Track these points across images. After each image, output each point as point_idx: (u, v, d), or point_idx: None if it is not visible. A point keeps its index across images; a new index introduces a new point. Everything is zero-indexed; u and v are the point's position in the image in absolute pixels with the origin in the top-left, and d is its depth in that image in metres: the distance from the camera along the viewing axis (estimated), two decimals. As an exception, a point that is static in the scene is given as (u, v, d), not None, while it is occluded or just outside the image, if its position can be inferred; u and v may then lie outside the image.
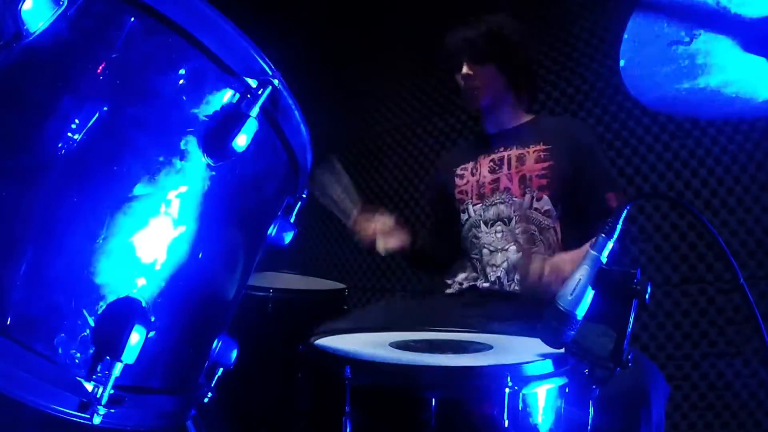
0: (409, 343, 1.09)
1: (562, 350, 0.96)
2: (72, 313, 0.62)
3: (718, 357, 2.02)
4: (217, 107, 0.71)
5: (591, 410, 0.95)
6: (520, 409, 0.83)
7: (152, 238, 0.67)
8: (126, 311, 0.64)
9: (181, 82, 0.69)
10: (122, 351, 0.62)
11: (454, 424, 0.85)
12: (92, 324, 0.63)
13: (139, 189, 0.65)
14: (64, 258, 0.62)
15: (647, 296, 0.89)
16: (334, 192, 1.85)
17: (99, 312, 0.63)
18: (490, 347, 1.07)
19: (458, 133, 2.80)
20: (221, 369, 0.88)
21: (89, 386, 0.63)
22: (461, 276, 1.78)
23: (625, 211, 0.96)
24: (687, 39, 0.82)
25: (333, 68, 3.21)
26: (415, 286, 2.86)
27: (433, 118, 2.89)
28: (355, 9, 3.09)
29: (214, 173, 0.71)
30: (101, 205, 0.64)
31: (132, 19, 0.66)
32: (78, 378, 0.63)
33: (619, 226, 0.94)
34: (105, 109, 0.64)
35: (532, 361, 0.90)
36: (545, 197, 1.61)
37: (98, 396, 0.63)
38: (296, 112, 0.80)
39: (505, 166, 1.69)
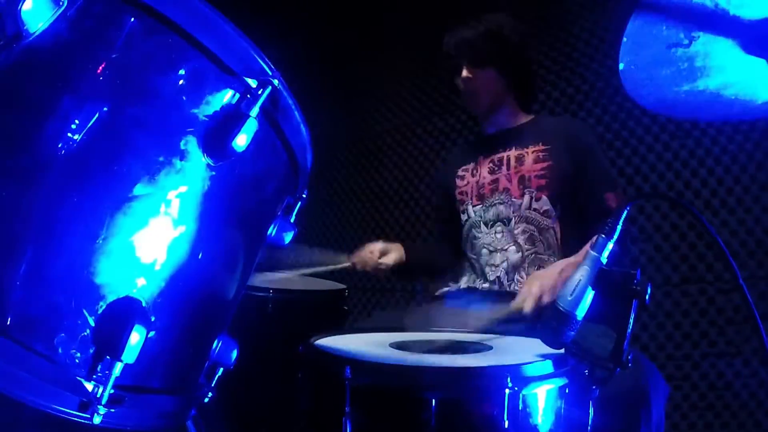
0: (408, 343, 1.09)
1: (562, 351, 0.96)
2: (72, 312, 0.62)
3: (718, 357, 2.03)
4: (217, 107, 0.71)
5: (591, 411, 0.95)
6: (520, 409, 0.83)
7: (152, 238, 0.67)
8: (126, 311, 0.64)
9: (181, 82, 0.69)
10: (122, 351, 0.62)
11: (454, 424, 0.85)
12: (92, 324, 0.63)
13: (139, 189, 0.65)
14: (64, 258, 0.62)
15: (647, 297, 0.89)
16: (311, 258, 1.93)
17: (99, 312, 0.63)
18: (489, 348, 1.07)
19: (458, 133, 2.80)
20: (221, 369, 0.88)
21: (89, 386, 0.63)
22: (464, 280, 1.78)
23: (625, 212, 0.96)
24: (686, 41, 0.82)
25: (333, 68, 3.21)
26: (415, 287, 2.86)
27: (433, 118, 2.90)
28: (355, 9, 3.09)
29: (214, 173, 0.71)
30: (101, 205, 0.64)
31: (132, 19, 0.66)
32: (78, 378, 0.63)
33: (619, 227, 0.94)
34: (105, 109, 0.64)
35: (532, 362, 0.91)
36: (544, 197, 1.61)
37: (98, 396, 0.63)
38: (296, 112, 0.80)
39: (504, 167, 1.69)
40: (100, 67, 0.64)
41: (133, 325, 0.63)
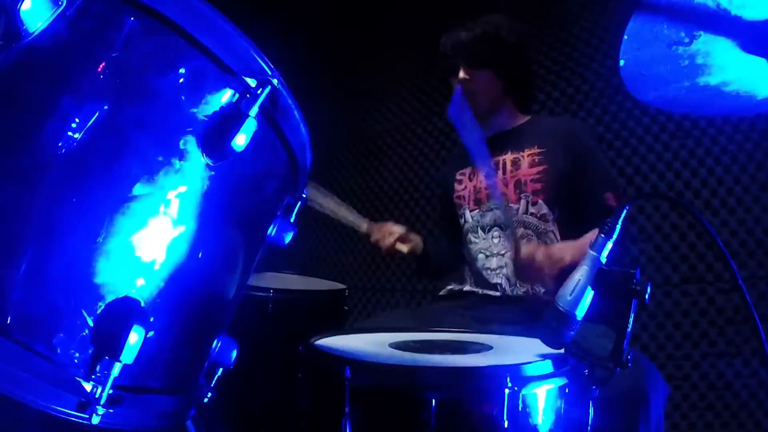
0: (408, 343, 1.09)
1: (562, 351, 0.96)
2: (71, 313, 0.62)
3: (718, 357, 2.02)
4: (217, 107, 0.71)
5: (591, 410, 0.95)
6: (519, 409, 0.83)
7: (151, 237, 0.67)
8: (125, 311, 0.64)
9: (180, 81, 0.69)
10: (121, 351, 0.62)
11: (453, 424, 0.85)
12: (91, 324, 0.63)
13: (138, 189, 0.65)
14: (63, 258, 0.62)
15: (647, 296, 0.89)
16: (335, 209, 1.91)
17: (98, 312, 0.63)
18: (489, 347, 1.07)
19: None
20: (221, 369, 0.88)
21: (88, 386, 0.63)
22: (466, 283, 1.77)
23: (625, 212, 0.96)
24: (687, 40, 0.82)
25: (333, 68, 3.21)
26: (415, 287, 2.86)
27: (433, 118, 2.89)
28: (355, 9, 3.09)
29: (213, 173, 0.71)
30: (101, 205, 0.64)
31: (131, 19, 0.66)
32: (77, 378, 0.63)
33: (618, 227, 0.94)
34: (105, 108, 0.64)
35: (532, 362, 0.90)
36: (540, 201, 1.61)
37: (97, 396, 0.63)
38: (296, 112, 0.80)
39: (500, 172, 1.69)
40: (100, 67, 0.64)
41: (131, 325, 0.62)
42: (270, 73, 0.73)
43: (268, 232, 0.88)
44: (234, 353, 0.86)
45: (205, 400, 0.87)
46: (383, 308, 2.95)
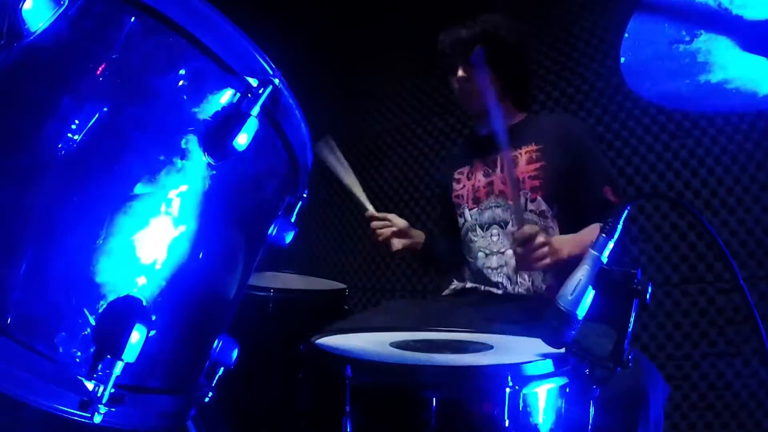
0: (409, 342, 1.09)
1: (563, 350, 0.96)
2: (72, 312, 0.62)
3: (718, 357, 2.02)
4: (218, 107, 0.71)
5: (591, 410, 0.95)
6: (520, 408, 0.83)
7: (153, 237, 0.67)
8: (126, 310, 0.64)
9: (181, 81, 0.69)
10: (123, 350, 0.62)
11: (454, 423, 0.85)
12: (93, 323, 0.63)
13: (139, 188, 0.65)
14: (64, 257, 0.62)
15: (648, 296, 0.89)
16: (350, 182, 1.90)
17: (99, 311, 0.63)
18: (490, 347, 1.07)
19: (458, 133, 2.80)
20: (222, 369, 0.88)
21: (90, 385, 0.63)
22: (467, 281, 1.77)
23: (626, 212, 0.96)
24: (688, 38, 0.82)
25: (333, 68, 3.21)
26: (415, 286, 2.86)
27: (433, 118, 2.90)
28: (355, 9, 3.09)
29: (214, 172, 0.71)
30: (102, 205, 0.64)
31: (132, 19, 0.66)
32: (79, 377, 0.63)
33: (619, 227, 0.94)
34: (105, 109, 0.64)
35: (533, 361, 0.90)
36: (539, 198, 1.61)
37: (99, 395, 0.63)
38: (297, 112, 0.80)
39: (498, 169, 1.69)
40: (101, 67, 0.64)
41: (133, 324, 0.63)
42: (271, 72, 0.73)
43: (269, 231, 0.88)
44: (235, 353, 0.86)
45: (206, 399, 0.87)
46: (388, 301, 2.94)
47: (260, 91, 0.71)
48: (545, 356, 0.94)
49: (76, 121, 0.62)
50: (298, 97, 0.79)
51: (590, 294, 0.92)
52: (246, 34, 0.72)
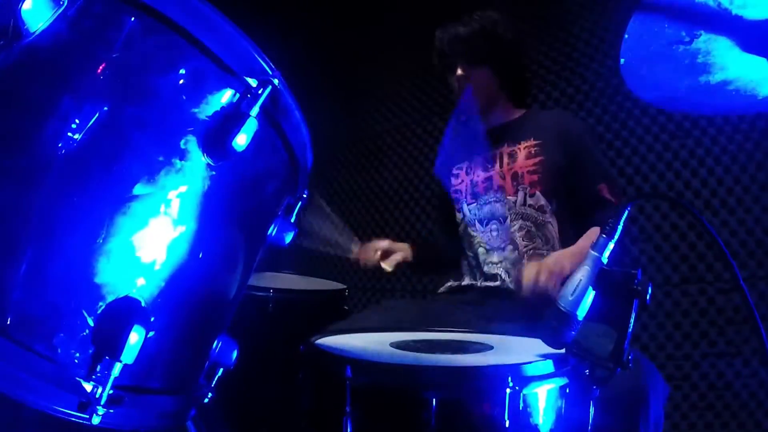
0: (409, 343, 1.09)
1: (563, 350, 0.96)
2: (71, 313, 0.62)
3: (718, 357, 2.02)
4: (217, 107, 0.70)
5: (591, 410, 0.95)
6: (520, 409, 0.83)
7: (152, 237, 0.67)
8: (125, 311, 0.64)
9: (181, 81, 0.69)
10: (121, 351, 0.62)
11: (454, 424, 0.84)
12: (91, 324, 0.63)
13: (138, 189, 0.65)
14: (63, 258, 0.62)
15: (648, 296, 0.89)
16: (329, 234, 1.95)
17: (98, 312, 0.63)
18: (490, 347, 1.07)
19: (458, 133, 2.80)
20: (221, 369, 0.88)
21: (88, 386, 0.63)
22: (465, 278, 1.77)
23: (626, 212, 0.95)
24: (687, 39, 0.82)
25: (333, 68, 3.21)
26: (415, 286, 2.86)
27: (433, 118, 2.89)
28: (355, 9, 3.09)
29: (214, 173, 0.71)
30: (101, 205, 0.64)
31: (132, 19, 0.66)
32: (77, 378, 0.63)
33: (620, 227, 0.94)
34: (105, 109, 0.64)
35: (533, 362, 0.90)
36: (538, 193, 1.61)
37: (97, 396, 0.63)
38: (296, 112, 0.80)
39: (497, 164, 1.69)
40: (100, 67, 0.64)
41: (132, 325, 0.62)
42: (271, 73, 0.73)
43: (269, 232, 0.88)
44: (234, 353, 0.86)
45: (206, 400, 0.87)
46: (386, 300, 2.94)
47: (260, 92, 0.71)
48: (545, 356, 0.94)
49: (76, 121, 0.62)
50: (298, 97, 0.79)
51: (590, 294, 0.92)
52: (246, 34, 0.72)
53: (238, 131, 0.69)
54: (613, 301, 0.91)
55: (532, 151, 1.64)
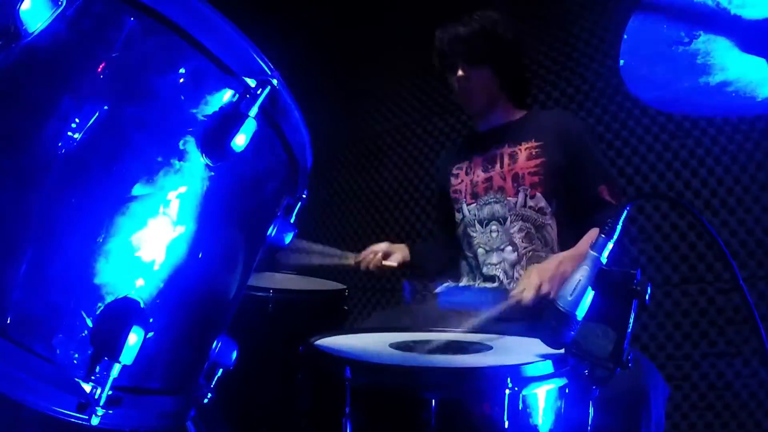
0: (408, 343, 1.09)
1: (562, 351, 0.96)
2: (70, 313, 0.62)
3: (718, 357, 2.02)
4: (216, 107, 0.70)
5: (591, 411, 0.95)
6: (520, 409, 0.83)
7: (151, 238, 0.67)
8: (124, 312, 0.64)
9: (180, 82, 0.69)
10: (120, 352, 0.62)
11: (454, 424, 0.84)
12: (90, 325, 0.63)
13: (138, 189, 0.65)
14: (63, 258, 0.62)
15: (647, 296, 0.89)
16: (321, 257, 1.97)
17: (97, 312, 0.63)
18: (490, 348, 1.07)
19: (458, 133, 2.80)
20: (221, 369, 0.88)
21: (87, 387, 0.63)
22: (464, 279, 1.77)
23: (625, 212, 0.95)
24: (686, 39, 0.81)
25: (333, 68, 3.21)
26: (415, 286, 2.86)
27: (433, 118, 2.89)
28: (355, 9, 3.09)
29: (213, 173, 0.71)
30: (100, 206, 0.64)
31: (131, 19, 0.66)
32: (76, 379, 0.63)
33: (619, 227, 0.94)
34: (104, 109, 0.64)
35: (532, 362, 0.90)
36: (538, 194, 1.61)
37: (96, 397, 0.63)
38: (295, 112, 0.80)
39: (498, 165, 1.69)
40: (100, 67, 0.64)
41: (131, 325, 0.62)
42: (270, 73, 0.73)
43: (268, 232, 0.88)
44: (234, 354, 0.86)
45: (205, 400, 0.87)
46: (383, 308, 2.95)
47: (259, 92, 0.71)
48: (545, 357, 0.94)
49: (76, 121, 0.62)
50: (298, 97, 0.79)
51: (589, 294, 0.92)
52: (246, 34, 0.72)
53: (237, 131, 0.69)
54: (612, 301, 0.91)
55: (534, 152, 1.63)
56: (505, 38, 1.68)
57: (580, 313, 0.91)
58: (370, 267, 1.88)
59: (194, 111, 0.69)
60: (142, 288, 0.66)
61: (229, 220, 0.77)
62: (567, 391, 0.91)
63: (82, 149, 0.62)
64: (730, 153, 2.06)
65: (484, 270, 1.67)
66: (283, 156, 0.84)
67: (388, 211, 3.03)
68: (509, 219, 1.63)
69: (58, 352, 0.61)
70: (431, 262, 1.94)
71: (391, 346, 1.06)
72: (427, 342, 1.12)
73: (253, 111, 0.70)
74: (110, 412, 0.64)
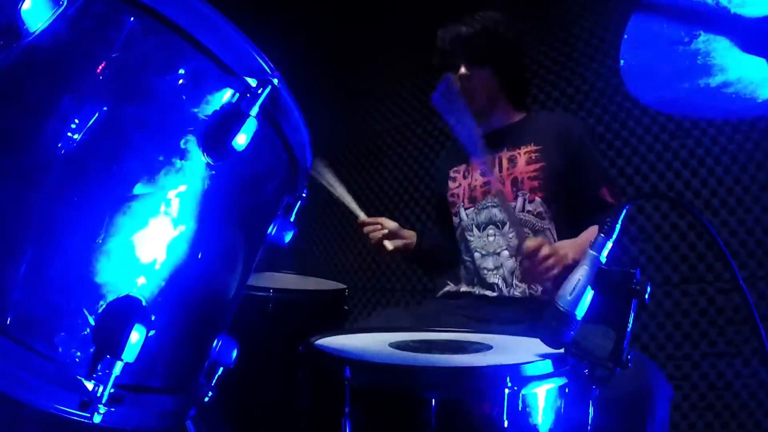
0: (408, 343, 1.09)
1: (562, 350, 0.96)
2: (72, 312, 0.62)
3: (718, 357, 2.02)
4: (217, 107, 0.71)
5: (591, 410, 0.95)
6: (519, 409, 0.83)
7: (152, 237, 0.67)
8: (126, 310, 0.64)
9: (180, 81, 0.69)
10: (122, 350, 0.62)
11: (453, 424, 0.85)
12: (92, 323, 0.63)
13: (138, 188, 0.65)
14: (64, 257, 0.62)
15: (647, 296, 0.89)
16: (341, 193, 1.92)
17: (99, 311, 0.63)
18: (489, 347, 1.07)
19: (458, 133, 2.80)
20: (221, 368, 0.88)
21: (89, 385, 0.63)
22: (463, 283, 1.76)
23: (624, 211, 0.96)
24: (687, 39, 0.82)
25: (333, 68, 3.21)
26: (415, 287, 2.86)
27: (433, 118, 2.89)
28: (355, 9, 3.09)
29: (213, 173, 0.71)
30: (101, 205, 0.64)
31: (131, 19, 0.66)
32: (78, 377, 0.63)
33: (618, 226, 0.94)
34: (105, 108, 0.64)
35: (532, 362, 0.90)
36: (537, 199, 1.60)
37: (98, 395, 0.63)
38: (296, 112, 0.80)
39: (496, 169, 1.67)
40: (100, 67, 0.65)
41: (133, 324, 0.63)
42: (270, 72, 0.73)
43: (269, 231, 0.88)
44: (234, 353, 0.86)
45: (206, 399, 0.87)
46: (383, 308, 2.95)
47: (259, 92, 0.71)
48: (544, 356, 0.94)
49: (76, 121, 0.62)
50: (298, 97, 0.79)
51: (589, 294, 0.92)
52: (246, 34, 0.72)
53: (238, 131, 0.69)
54: (611, 300, 0.91)
55: (533, 157, 1.62)
56: (507, 38, 1.68)
57: (580, 312, 0.92)
58: (369, 237, 1.82)
59: (195, 110, 0.69)
60: (143, 286, 0.66)
61: (229, 219, 0.77)
62: (567, 390, 0.91)
63: (82, 149, 0.62)
64: (730, 153, 2.06)
65: (482, 275, 1.66)
66: (284, 155, 0.84)
67: (388, 211, 3.03)
68: (508, 224, 1.62)
69: (59, 350, 0.61)
70: (444, 253, 1.90)
71: (391, 345, 1.06)
72: (426, 342, 1.12)
73: (254, 110, 0.70)
74: (112, 410, 0.65)
